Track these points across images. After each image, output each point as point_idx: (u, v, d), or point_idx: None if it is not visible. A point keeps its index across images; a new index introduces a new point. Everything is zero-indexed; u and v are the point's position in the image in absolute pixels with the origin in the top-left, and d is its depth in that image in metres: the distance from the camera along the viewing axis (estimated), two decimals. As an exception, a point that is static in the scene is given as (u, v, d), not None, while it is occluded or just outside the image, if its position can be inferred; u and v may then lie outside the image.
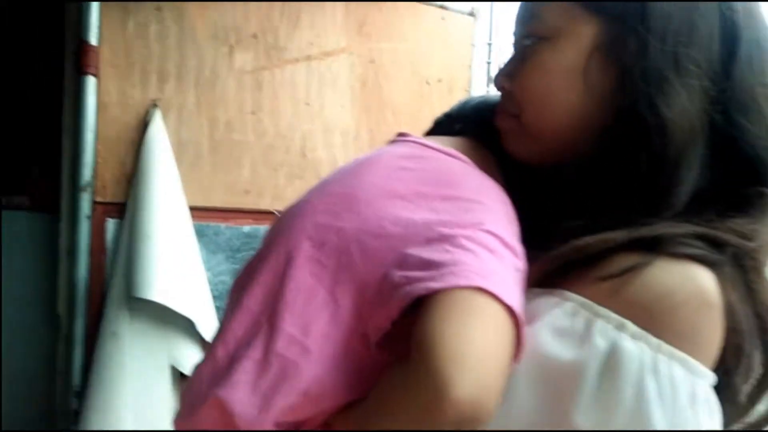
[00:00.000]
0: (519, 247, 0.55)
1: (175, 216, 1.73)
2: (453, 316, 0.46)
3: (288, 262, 0.57)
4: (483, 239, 0.51)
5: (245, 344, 0.56)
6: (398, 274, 0.50)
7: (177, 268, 1.69)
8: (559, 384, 0.49)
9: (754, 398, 0.57)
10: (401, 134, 0.67)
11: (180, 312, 1.64)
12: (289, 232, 0.59)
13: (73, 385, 1.67)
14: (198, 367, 0.60)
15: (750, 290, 0.54)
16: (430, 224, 0.53)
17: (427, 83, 1.90)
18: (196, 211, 1.77)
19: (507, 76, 0.64)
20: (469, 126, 0.71)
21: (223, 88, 1.81)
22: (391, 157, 0.63)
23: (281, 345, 0.54)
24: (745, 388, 0.55)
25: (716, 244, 0.53)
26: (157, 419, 1.61)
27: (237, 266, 1.82)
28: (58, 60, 1.75)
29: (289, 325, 0.54)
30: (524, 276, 0.53)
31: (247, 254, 1.81)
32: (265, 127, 1.83)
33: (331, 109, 1.87)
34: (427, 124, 0.76)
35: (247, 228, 1.85)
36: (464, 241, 0.50)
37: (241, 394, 0.53)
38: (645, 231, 0.53)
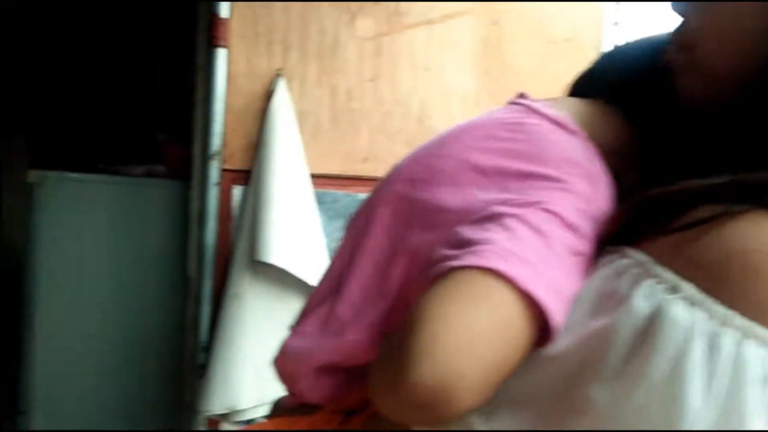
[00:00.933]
0: (587, 228, 0.49)
1: (296, 183, 1.77)
2: (448, 296, 0.43)
3: (366, 228, 0.59)
4: (535, 219, 0.47)
5: (322, 300, 0.62)
6: (440, 252, 0.48)
7: (297, 234, 1.72)
8: (585, 356, 0.41)
9: None
10: (521, 95, 0.63)
11: (298, 276, 1.67)
12: (375, 196, 0.62)
13: (201, 341, 1.76)
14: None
15: None
16: (491, 202, 0.50)
17: (554, 43, 1.79)
18: (316, 178, 1.80)
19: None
20: (603, 84, 0.65)
21: (343, 56, 1.82)
22: (491, 123, 0.60)
23: (341, 308, 0.58)
24: None
25: None
26: (272, 375, 1.65)
27: (353, 233, 1.82)
28: (191, 33, 1.85)
29: (353, 289, 0.58)
30: (585, 259, 0.48)
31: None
32: (384, 94, 1.82)
33: (450, 74, 1.81)
34: (552, 86, 0.71)
35: (363, 195, 1.84)
36: (509, 220, 0.47)
37: (300, 343, 0.60)
38: (744, 178, 0.42)
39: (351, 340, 0.56)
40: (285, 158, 1.76)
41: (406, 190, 0.58)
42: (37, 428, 2.02)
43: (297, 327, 0.63)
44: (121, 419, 2.05)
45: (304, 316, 0.63)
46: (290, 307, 1.73)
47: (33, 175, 1.97)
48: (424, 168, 0.59)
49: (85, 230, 1.99)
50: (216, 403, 1.68)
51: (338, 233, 1.85)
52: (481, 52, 1.82)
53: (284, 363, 0.63)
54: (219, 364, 1.69)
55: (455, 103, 1.82)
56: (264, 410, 1.72)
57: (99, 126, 3.12)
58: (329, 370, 0.59)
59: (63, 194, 1.98)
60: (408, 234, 0.55)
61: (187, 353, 1.84)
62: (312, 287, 1.78)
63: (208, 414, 1.72)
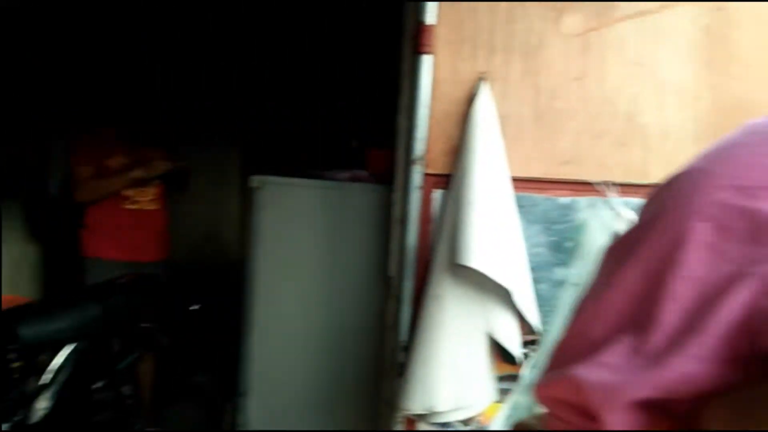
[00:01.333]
0: None
1: (497, 187, 1.74)
2: None
3: (676, 245, 0.51)
4: None
5: (621, 327, 0.54)
6: None
7: (497, 239, 1.70)
8: None
9: None
10: None
11: (497, 281, 1.65)
12: (679, 207, 0.53)
13: (401, 340, 1.80)
14: (564, 336, 0.60)
15: None
16: None
17: (793, 27, 1.58)
18: (515, 181, 1.76)
19: None
20: None
21: (548, 55, 1.76)
22: None
23: (657, 338, 0.50)
24: None
25: None
26: (470, 378, 1.65)
27: (553, 238, 1.76)
28: (397, 41, 1.91)
29: (669, 316, 0.50)
30: None
31: (564, 226, 1.73)
32: (590, 93, 1.73)
33: (665, 68, 1.67)
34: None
35: (564, 199, 1.77)
36: None
37: (602, 376, 0.52)
38: None
39: (677, 373, 0.49)
40: (486, 162, 1.74)
41: (735, 200, 0.49)
42: (252, 408, 2.22)
43: (588, 358, 0.56)
44: (324, 408, 2.18)
45: (596, 343, 0.57)
46: (489, 311, 1.71)
47: (254, 180, 2.18)
48: (755, 172, 0.50)
49: (297, 230, 2.16)
50: (414, 403, 1.71)
51: (537, 238, 1.79)
52: (702, 42, 1.66)
53: (571, 392, 0.56)
54: (418, 364, 1.72)
55: (670, 98, 1.68)
56: (461, 414, 1.72)
57: (303, 134, 3.37)
58: (644, 404, 0.51)
59: (279, 197, 2.16)
60: (755, 252, 0.47)
61: (387, 351, 1.90)
62: (510, 292, 1.73)
63: (406, 413, 1.76)
